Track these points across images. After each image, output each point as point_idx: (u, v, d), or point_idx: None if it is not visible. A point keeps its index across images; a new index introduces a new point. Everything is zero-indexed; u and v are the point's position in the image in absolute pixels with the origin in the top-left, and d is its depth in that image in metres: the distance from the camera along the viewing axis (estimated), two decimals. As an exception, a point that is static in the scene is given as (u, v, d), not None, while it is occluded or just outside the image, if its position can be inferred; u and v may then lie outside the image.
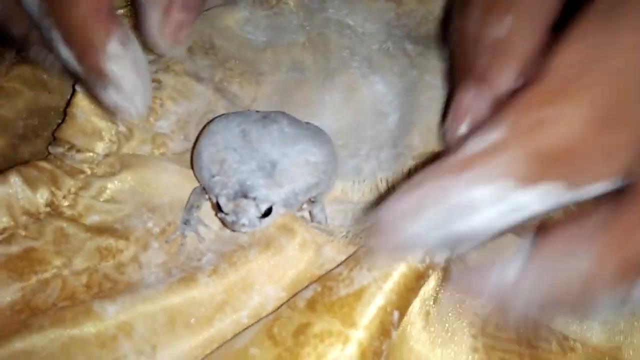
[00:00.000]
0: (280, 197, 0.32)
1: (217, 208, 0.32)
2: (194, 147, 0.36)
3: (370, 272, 0.30)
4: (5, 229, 0.32)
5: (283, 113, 0.37)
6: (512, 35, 0.29)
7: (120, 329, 0.30)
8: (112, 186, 0.35)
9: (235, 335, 0.31)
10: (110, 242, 0.33)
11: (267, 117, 0.36)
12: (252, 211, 0.31)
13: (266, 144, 0.34)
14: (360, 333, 0.28)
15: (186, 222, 0.34)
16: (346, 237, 0.35)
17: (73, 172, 0.35)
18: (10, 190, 0.33)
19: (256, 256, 0.33)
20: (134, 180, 0.36)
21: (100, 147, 0.36)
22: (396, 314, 0.29)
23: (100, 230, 0.34)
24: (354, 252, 0.33)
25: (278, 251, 0.33)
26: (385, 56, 0.45)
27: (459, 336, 0.32)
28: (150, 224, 0.35)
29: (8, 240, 0.32)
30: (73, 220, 0.34)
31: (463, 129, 0.31)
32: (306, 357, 0.28)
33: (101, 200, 0.35)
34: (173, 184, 0.36)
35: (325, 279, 0.31)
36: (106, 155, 0.36)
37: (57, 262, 0.32)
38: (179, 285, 0.31)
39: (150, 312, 0.31)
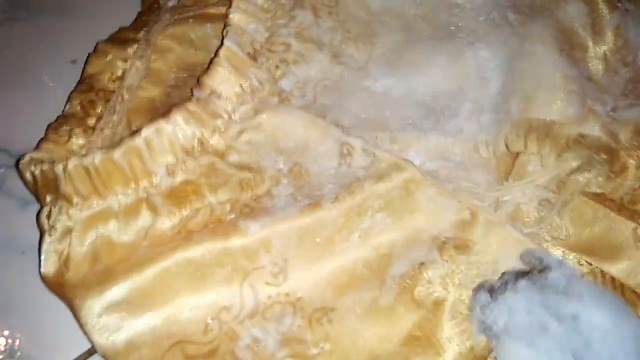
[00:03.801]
0: None
1: None
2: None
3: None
4: (170, 164, 0.39)
5: None
6: None
7: (261, 244, 0.37)
8: (248, 130, 0.41)
9: (369, 291, 0.36)
10: (249, 177, 0.40)
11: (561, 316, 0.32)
12: None
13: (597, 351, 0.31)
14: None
15: None
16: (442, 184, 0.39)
17: (215, 116, 0.41)
18: (174, 128, 0.39)
19: (370, 187, 0.38)
20: (266, 125, 0.41)
21: (237, 96, 0.42)
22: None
23: (240, 167, 0.40)
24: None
25: (388, 183, 0.38)
26: (491, 26, 0.48)
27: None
28: (280, 164, 0.41)
29: (172, 174, 0.39)
30: (220, 156, 0.40)
31: None
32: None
33: (240, 142, 0.41)
34: (299, 128, 0.42)
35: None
36: (242, 103, 0.42)
37: (207, 192, 0.39)
38: (308, 209, 0.37)
39: (285, 231, 0.37)
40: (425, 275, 0.36)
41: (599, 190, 0.38)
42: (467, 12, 0.49)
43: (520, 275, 0.34)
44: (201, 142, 0.40)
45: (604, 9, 0.46)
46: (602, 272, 0.38)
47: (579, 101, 0.41)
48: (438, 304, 0.35)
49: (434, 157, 0.42)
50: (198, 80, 0.42)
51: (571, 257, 0.38)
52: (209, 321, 0.36)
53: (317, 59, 0.45)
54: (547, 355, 0.30)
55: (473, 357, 0.34)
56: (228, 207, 0.39)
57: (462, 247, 0.37)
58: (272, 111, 0.42)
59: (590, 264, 0.38)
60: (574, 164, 0.38)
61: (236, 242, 0.36)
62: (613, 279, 0.37)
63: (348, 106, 0.45)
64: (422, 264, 0.36)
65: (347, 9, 0.48)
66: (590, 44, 0.46)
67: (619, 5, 0.47)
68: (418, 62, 0.46)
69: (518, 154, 0.41)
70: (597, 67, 0.45)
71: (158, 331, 0.35)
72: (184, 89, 0.46)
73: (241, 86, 0.43)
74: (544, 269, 0.34)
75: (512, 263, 0.36)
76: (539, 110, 0.41)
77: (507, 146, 0.41)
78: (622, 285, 0.37)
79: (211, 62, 0.42)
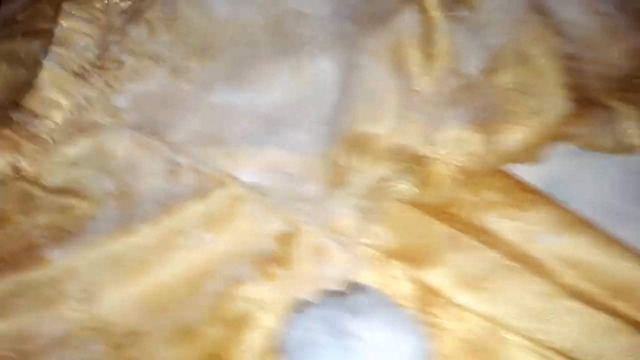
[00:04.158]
0: None
1: None
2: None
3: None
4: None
5: None
6: None
7: (66, 271, 0.36)
8: (71, 151, 0.41)
9: (181, 311, 0.36)
10: (70, 201, 0.39)
11: (341, 334, 0.32)
12: None
13: None
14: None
15: None
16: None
17: (35, 139, 0.40)
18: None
19: (191, 205, 0.39)
20: (91, 146, 0.41)
21: (60, 117, 0.41)
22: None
23: (61, 191, 0.40)
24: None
25: (210, 200, 0.39)
26: (334, 37, 0.48)
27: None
28: (106, 185, 0.40)
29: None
30: (36, 182, 0.39)
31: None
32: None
33: (61, 164, 0.40)
34: (127, 148, 0.41)
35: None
36: (65, 124, 0.41)
37: (21, 218, 0.38)
38: (121, 231, 0.37)
39: (95, 256, 0.37)
40: (238, 292, 0.36)
41: (413, 198, 0.39)
42: (313, 22, 0.49)
43: (326, 294, 0.35)
44: (14, 169, 0.39)
45: (436, 18, 0.47)
46: (417, 279, 0.38)
47: (402, 113, 0.42)
48: (244, 322, 0.35)
49: (267, 170, 0.43)
50: (18, 102, 0.41)
51: (388, 266, 0.39)
52: (7, 353, 0.35)
53: (154, 74, 0.45)
54: None
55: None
56: (42, 232, 0.38)
57: (281, 262, 0.38)
58: (99, 132, 0.42)
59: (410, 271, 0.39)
60: (388, 174, 0.39)
61: (38, 272, 0.36)
62: (427, 286, 0.38)
63: (186, 121, 0.45)
64: (238, 280, 0.36)
65: (189, 21, 0.48)
66: (421, 53, 0.46)
67: (453, 12, 0.48)
68: (259, 77, 0.46)
69: (343, 166, 0.41)
70: (425, 76, 0.46)
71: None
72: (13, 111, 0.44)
73: (65, 106, 0.42)
74: (349, 290, 0.35)
75: (328, 278, 0.37)
76: (363, 123, 0.43)
77: (334, 158, 0.42)
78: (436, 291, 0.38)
79: (32, 83, 0.42)
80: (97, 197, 0.40)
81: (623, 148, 0.44)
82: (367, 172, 0.40)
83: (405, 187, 0.39)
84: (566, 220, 0.40)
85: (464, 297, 0.37)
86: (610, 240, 0.38)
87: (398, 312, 0.34)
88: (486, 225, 0.40)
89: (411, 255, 0.39)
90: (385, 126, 0.42)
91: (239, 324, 0.35)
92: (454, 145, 0.41)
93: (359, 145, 0.41)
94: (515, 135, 0.42)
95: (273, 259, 0.38)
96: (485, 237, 0.39)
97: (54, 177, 0.40)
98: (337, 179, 0.41)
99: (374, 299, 0.35)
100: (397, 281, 0.38)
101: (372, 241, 0.39)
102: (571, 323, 0.36)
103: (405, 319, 0.34)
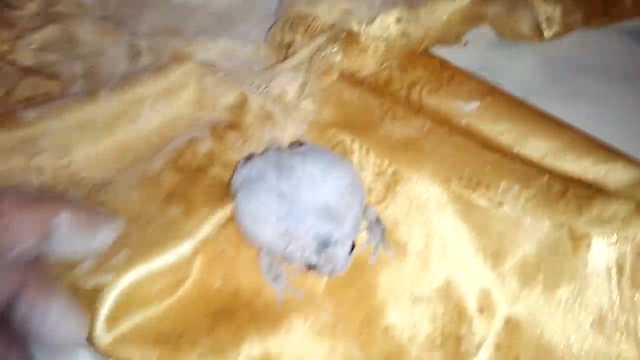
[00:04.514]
0: (350, 228, 0.35)
1: (307, 267, 0.34)
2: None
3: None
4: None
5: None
6: None
7: (40, 130, 0.40)
8: (42, 37, 0.45)
9: (144, 163, 0.41)
10: (42, 80, 0.44)
11: (282, 167, 0.36)
12: (341, 255, 0.33)
13: (306, 192, 0.35)
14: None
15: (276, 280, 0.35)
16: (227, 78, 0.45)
17: (9, 25, 0.45)
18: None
19: (149, 78, 0.43)
20: (60, 32, 0.46)
21: (33, 8, 0.46)
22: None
23: (33, 71, 0.44)
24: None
25: (166, 74, 0.43)
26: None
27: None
28: (75, 68, 0.45)
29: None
30: (11, 62, 0.44)
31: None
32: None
33: (33, 48, 0.45)
34: (93, 35, 0.47)
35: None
36: (37, 14, 0.46)
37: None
38: (85, 99, 0.42)
39: (63, 118, 0.41)
40: (195, 149, 0.41)
41: (345, 73, 0.45)
42: None
43: (272, 148, 0.40)
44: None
45: None
46: (354, 142, 0.42)
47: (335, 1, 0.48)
48: (201, 170, 0.40)
49: (221, 57, 0.48)
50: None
51: (326, 130, 0.43)
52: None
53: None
54: (257, 197, 0.36)
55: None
56: (17, 101, 0.43)
57: (233, 126, 0.43)
58: (67, 21, 0.46)
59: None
60: (323, 47, 0.45)
61: (16, 131, 0.40)
62: (363, 149, 0.41)
63: (147, 17, 0.51)
64: (194, 141, 0.41)
65: None
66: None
67: None
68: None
69: (285, 44, 0.47)
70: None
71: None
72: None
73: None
74: (292, 145, 0.41)
75: (274, 139, 0.42)
76: (303, 7, 0.48)
77: (278, 39, 0.47)
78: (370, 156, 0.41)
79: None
80: (67, 77, 0.44)
81: (536, 35, 0.49)
82: (305, 47, 0.45)
83: (338, 60, 0.45)
84: (487, 90, 0.44)
85: (396, 158, 0.41)
86: (528, 108, 0.43)
87: (334, 156, 0.39)
88: (413, 99, 0.44)
89: (347, 122, 0.43)
90: (322, 9, 0.47)
91: (195, 172, 0.40)
92: (383, 26, 0.47)
93: (298, 24, 0.46)
94: (437, 16, 0.48)
95: (226, 124, 0.43)
96: (413, 108, 0.44)
97: (27, 59, 0.45)
98: (280, 58, 0.46)
99: (314, 147, 0.40)
100: (335, 143, 0.42)
101: (311, 109, 0.44)
102: (494, 172, 0.39)
103: (340, 161, 0.38)
